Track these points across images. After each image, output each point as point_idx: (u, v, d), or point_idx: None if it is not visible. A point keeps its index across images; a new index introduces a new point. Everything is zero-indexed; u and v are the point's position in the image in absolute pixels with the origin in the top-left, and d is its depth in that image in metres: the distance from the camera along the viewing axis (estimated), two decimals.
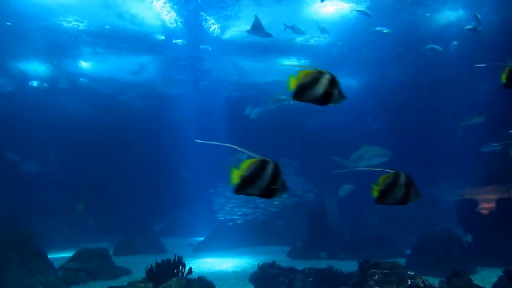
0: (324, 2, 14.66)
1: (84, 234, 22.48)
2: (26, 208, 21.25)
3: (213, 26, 16.71)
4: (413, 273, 8.50)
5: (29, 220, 20.49)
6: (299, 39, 17.86)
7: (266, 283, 11.04)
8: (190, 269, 7.70)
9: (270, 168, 3.37)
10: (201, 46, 17.76)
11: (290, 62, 20.30)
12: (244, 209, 20.29)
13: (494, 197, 17.13)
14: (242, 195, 3.50)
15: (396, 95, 21.79)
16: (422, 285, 7.76)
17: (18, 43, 17.69)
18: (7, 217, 18.89)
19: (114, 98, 23.32)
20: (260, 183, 3.39)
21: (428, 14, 16.17)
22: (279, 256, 16.95)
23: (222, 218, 20.53)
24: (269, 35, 15.01)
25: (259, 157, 3.37)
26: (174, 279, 6.76)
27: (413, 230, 18.84)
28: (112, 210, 24.33)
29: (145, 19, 16.32)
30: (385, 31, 15.70)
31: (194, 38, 17.39)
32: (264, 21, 16.31)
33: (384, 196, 3.92)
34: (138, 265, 14.84)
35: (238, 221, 20.49)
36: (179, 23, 16.54)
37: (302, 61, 20.40)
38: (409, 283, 7.79)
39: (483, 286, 7.96)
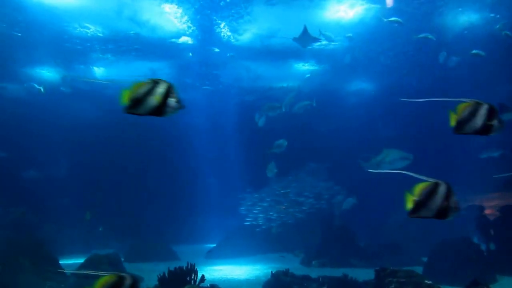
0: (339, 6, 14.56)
1: (95, 240, 22.50)
2: (37, 214, 21.30)
3: (224, 30, 16.65)
4: (430, 282, 8.30)
5: (40, 226, 20.53)
6: (319, 43, 17.74)
7: None
8: (203, 276, 7.55)
9: (442, 190, 3.47)
10: (213, 51, 17.68)
11: (303, 66, 20.21)
12: (271, 213, 19.88)
13: None
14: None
15: (411, 103, 21.48)
16: None
17: (32, 49, 17.83)
18: (20, 223, 18.95)
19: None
20: (433, 205, 3.50)
21: (447, 19, 15.96)
22: (293, 263, 16.68)
23: (249, 223, 20.18)
24: (317, 40, 14.86)
25: (432, 180, 3.47)
26: (186, 287, 6.61)
27: (430, 237, 18.47)
28: (123, 216, 24.28)
29: (157, 25, 16.32)
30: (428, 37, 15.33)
31: (206, 43, 17.35)
32: (275, 26, 16.29)
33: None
34: (150, 272, 14.67)
35: (263, 226, 20.09)
36: (191, 28, 16.52)
37: (315, 66, 20.26)
38: None
39: None
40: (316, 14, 15.59)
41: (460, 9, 15.38)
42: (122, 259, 14.75)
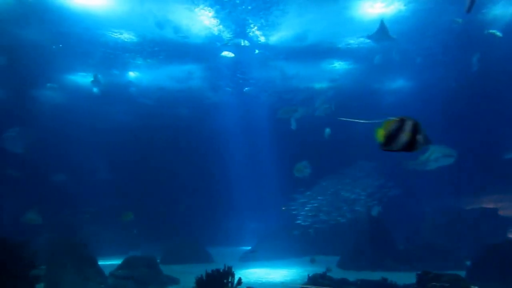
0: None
1: (129, 242, 22.97)
2: (77, 216, 21.90)
3: (256, 31, 16.60)
4: (476, 287, 7.91)
5: (80, 228, 21.09)
6: (351, 40, 17.47)
7: None
8: (240, 279, 7.47)
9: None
10: (246, 52, 17.66)
11: (335, 65, 19.90)
12: (321, 214, 19.53)
13: None
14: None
15: (449, 103, 20.92)
16: None
17: (70, 56, 18.42)
18: (62, 225, 19.55)
19: (162, 106, 23.74)
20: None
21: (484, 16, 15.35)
22: (329, 266, 16.36)
23: (302, 223, 19.94)
24: (393, 38, 14.69)
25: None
26: None
27: (471, 241, 17.78)
28: (158, 218, 24.62)
29: (189, 28, 16.44)
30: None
31: (238, 45, 17.34)
32: (308, 25, 16.09)
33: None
34: (186, 274, 14.80)
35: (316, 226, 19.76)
36: (223, 30, 16.57)
37: (347, 65, 19.91)
38: None
39: None
40: (350, 11, 15.31)
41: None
42: (158, 261, 14.88)
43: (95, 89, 20.61)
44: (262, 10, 15.05)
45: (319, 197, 19.68)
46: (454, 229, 19.70)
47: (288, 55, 18.81)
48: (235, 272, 7.89)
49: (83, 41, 17.17)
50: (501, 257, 12.63)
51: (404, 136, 3.89)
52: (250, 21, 15.81)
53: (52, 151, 22.65)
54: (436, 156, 12.36)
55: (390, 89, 22.73)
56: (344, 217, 19.01)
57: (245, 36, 16.77)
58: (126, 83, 21.50)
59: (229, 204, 28.32)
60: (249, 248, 21.83)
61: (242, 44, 16.55)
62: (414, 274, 9.17)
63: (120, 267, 13.49)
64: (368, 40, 16.96)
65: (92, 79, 19.57)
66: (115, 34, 16.80)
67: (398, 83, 22.36)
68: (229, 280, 7.35)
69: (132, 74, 20.91)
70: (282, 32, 16.68)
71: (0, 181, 20.81)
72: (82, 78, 20.68)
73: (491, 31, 15.47)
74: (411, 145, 3.93)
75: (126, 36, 17.02)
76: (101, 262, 14.10)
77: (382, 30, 14.54)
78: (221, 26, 16.22)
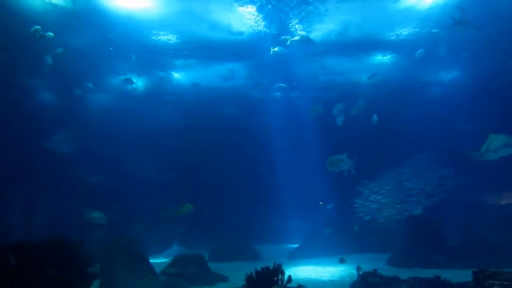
0: None
1: (176, 240, 23.53)
2: (128, 215, 22.60)
3: (298, 27, 16.39)
4: None
5: (131, 227, 21.77)
6: (401, 30, 17.00)
7: None
8: (290, 277, 7.42)
9: None
10: (288, 48, 17.54)
11: (381, 58, 19.40)
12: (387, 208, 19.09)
13: None
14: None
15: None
16: None
17: (116, 60, 19.04)
18: (113, 224, 20.28)
19: (206, 105, 24.01)
20: None
21: None
22: (379, 264, 16.01)
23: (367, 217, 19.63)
24: (476, 27, 14.11)
25: None
26: (274, 287, 6.54)
27: None
28: (206, 216, 25.00)
29: (231, 25, 16.50)
30: None
31: (280, 41, 17.24)
32: (350, 19, 15.76)
33: None
34: (234, 272, 14.95)
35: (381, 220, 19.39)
36: (264, 27, 16.51)
37: (389, 56, 19.37)
38: None
39: None
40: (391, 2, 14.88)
41: None
42: (206, 259, 15.13)
43: (130, 87, 21.23)
44: (304, 5, 14.88)
45: (379, 192, 19.21)
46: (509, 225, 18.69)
47: (332, 49, 18.47)
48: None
49: (128, 44, 17.63)
50: None
51: None
52: (292, 17, 15.64)
53: (100, 152, 23.48)
54: (496, 146, 11.62)
55: (439, 81, 21.87)
56: (405, 212, 18.30)
57: (286, 31, 16.63)
58: (170, 84, 21.94)
59: (275, 202, 28.34)
60: (296, 246, 21.76)
61: (285, 39, 16.36)
62: (468, 272, 8.77)
63: (170, 264, 13.83)
64: (415, 30, 16.47)
65: (134, 80, 20.16)
66: (159, 36, 17.15)
67: (451, 75, 21.52)
68: (279, 277, 7.33)
69: (176, 75, 21.30)
70: (325, 25, 16.42)
71: (62, 183, 21.87)
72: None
73: None
74: None
75: (169, 37, 17.30)
76: (151, 261, 14.55)
77: (462, 18, 13.74)
78: (263, 23, 16.14)
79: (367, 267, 12.37)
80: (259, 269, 7.38)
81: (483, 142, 12.11)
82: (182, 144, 25.67)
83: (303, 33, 16.57)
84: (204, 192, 25.94)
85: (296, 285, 7.81)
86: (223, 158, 26.88)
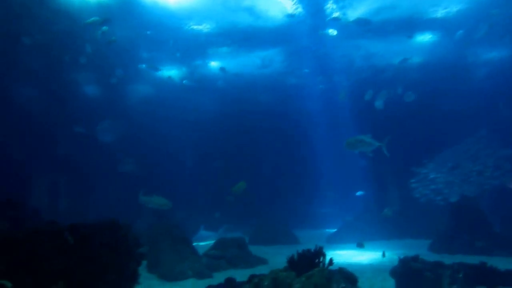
0: None
1: (213, 225, 24.14)
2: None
3: (333, 7, 16.11)
4: None
5: (174, 212, 22.46)
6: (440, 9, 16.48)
7: (410, 278, 10.29)
8: (331, 260, 7.50)
9: None
10: (323, 32, 17.26)
11: (421, 38, 18.72)
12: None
13: None
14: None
15: None
16: None
17: (155, 50, 19.54)
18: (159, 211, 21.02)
19: (245, 92, 24.19)
20: None
21: None
22: (420, 249, 15.81)
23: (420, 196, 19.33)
24: None
25: None
26: (316, 269, 6.65)
27: None
28: (245, 201, 25.36)
29: (266, 11, 16.52)
30: None
31: (315, 25, 17.05)
32: None
33: None
34: (274, 255, 15.21)
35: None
36: (300, 11, 16.38)
37: (430, 36, 18.71)
38: None
39: None
40: None
41: None
42: (247, 242, 15.46)
43: (184, 81, 21.88)
44: None
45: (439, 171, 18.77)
46: None
47: (367, 32, 17.99)
48: None
49: (167, 36, 18.08)
50: None
51: None
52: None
53: (142, 141, 24.25)
54: None
55: (485, 60, 20.91)
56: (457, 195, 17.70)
57: (322, 15, 16.42)
58: (208, 74, 22.26)
59: (315, 187, 28.36)
60: (334, 230, 21.78)
61: (322, 25, 16.21)
62: None
63: (212, 247, 14.26)
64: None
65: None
66: (196, 26, 17.45)
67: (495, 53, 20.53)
68: (320, 260, 7.43)
69: (213, 64, 21.55)
70: (359, 8, 16.10)
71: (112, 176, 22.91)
72: (167, 72, 21.80)
73: None
74: None
75: (204, 26, 17.57)
76: (194, 243, 15.04)
77: None
78: (299, 7, 16.04)
79: (407, 252, 12.26)
80: (300, 251, 7.51)
81: None
82: (222, 132, 26.02)
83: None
84: (245, 178, 26.23)
85: (337, 268, 7.89)
86: (263, 144, 27.01)
